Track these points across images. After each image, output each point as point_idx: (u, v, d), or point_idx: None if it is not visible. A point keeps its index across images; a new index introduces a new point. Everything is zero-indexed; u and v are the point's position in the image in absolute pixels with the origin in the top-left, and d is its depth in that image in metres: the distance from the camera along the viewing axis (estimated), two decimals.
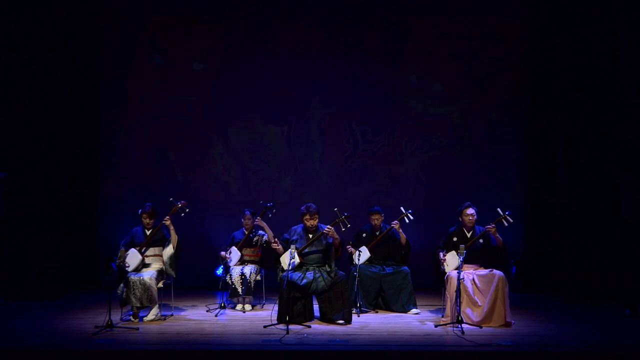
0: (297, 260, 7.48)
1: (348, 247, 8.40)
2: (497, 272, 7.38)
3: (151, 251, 7.79)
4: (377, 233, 8.43)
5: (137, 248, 7.69)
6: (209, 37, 10.41)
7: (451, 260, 7.53)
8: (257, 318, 7.70)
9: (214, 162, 10.44)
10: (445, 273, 7.53)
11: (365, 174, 10.39)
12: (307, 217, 7.62)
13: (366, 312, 8.07)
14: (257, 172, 10.45)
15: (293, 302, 7.28)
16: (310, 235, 7.65)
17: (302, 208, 7.69)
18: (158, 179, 10.39)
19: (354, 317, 7.59)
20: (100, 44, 10.32)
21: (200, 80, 10.42)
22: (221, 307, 8.16)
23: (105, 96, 10.40)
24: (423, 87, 10.38)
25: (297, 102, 10.40)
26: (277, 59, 10.37)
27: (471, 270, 7.48)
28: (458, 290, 7.04)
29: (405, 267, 8.24)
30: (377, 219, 8.43)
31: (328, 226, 7.52)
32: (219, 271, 8.51)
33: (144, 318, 7.53)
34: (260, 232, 8.46)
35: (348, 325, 7.31)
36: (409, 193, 10.32)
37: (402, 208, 8.41)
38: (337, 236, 7.56)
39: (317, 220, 7.65)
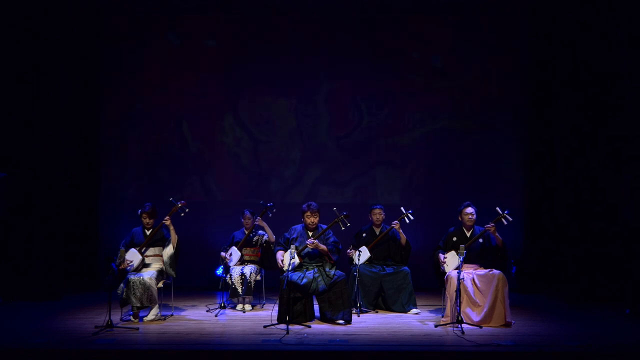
0: (297, 260, 7.49)
1: (349, 250, 8.38)
2: (496, 272, 7.38)
3: (151, 251, 7.80)
4: (378, 232, 8.43)
5: (137, 248, 7.70)
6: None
7: (451, 260, 7.53)
8: (257, 318, 7.70)
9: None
10: (445, 273, 7.53)
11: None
12: (308, 214, 7.63)
13: (366, 312, 8.07)
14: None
15: (293, 302, 7.29)
16: (310, 234, 7.66)
17: (304, 206, 7.71)
18: (158, 178, 10.40)
19: (354, 317, 7.59)
20: (102, 40, 10.36)
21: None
22: (221, 307, 8.16)
23: (105, 95, 10.42)
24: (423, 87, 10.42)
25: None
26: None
27: (471, 270, 7.48)
28: (458, 290, 7.04)
29: (405, 267, 8.24)
30: (378, 213, 8.43)
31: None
32: (219, 271, 8.51)
33: (144, 318, 7.53)
34: (261, 232, 8.46)
35: (348, 325, 7.31)
36: (412, 183, 10.39)
37: (402, 208, 8.42)
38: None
39: (317, 219, 7.66)
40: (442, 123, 10.41)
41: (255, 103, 10.51)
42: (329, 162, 10.49)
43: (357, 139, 10.48)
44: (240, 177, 10.51)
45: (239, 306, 8.26)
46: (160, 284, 7.74)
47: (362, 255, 8.20)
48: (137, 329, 7.08)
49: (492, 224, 7.44)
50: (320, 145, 10.51)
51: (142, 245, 7.73)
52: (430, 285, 8.85)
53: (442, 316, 7.61)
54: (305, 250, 7.59)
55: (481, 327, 7.11)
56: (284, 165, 10.51)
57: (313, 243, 7.48)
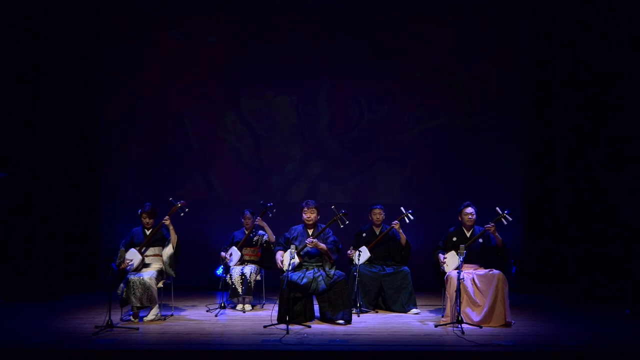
0: (297, 260, 7.49)
1: (349, 252, 8.39)
2: (496, 272, 7.38)
3: (151, 251, 7.80)
4: (378, 232, 8.44)
5: (137, 248, 7.70)
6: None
7: (451, 260, 7.53)
8: (257, 318, 7.70)
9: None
10: (445, 273, 7.53)
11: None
12: (305, 209, 7.68)
13: (366, 312, 8.07)
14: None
15: (293, 302, 7.29)
16: (310, 233, 7.66)
17: (303, 204, 7.75)
18: (158, 178, 10.41)
19: (354, 317, 7.59)
20: (102, 40, 10.35)
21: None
22: (221, 307, 8.16)
23: (105, 95, 10.43)
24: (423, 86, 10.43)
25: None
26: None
27: (471, 270, 7.48)
28: (458, 290, 7.04)
29: (405, 267, 8.24)
30: (378, 213, 8.43)
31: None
32: (219, 271, 8.51)
33: (144, 318, 7.53)
34: (261, 232, 8.46)
35: (348, 325, 7.31)
36: (412, 183, 10.40)
37: (402, 208, 8.42)
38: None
39: (314, 214, 7.68)
40: (442, 122, 10.41)
41: (256, 100, 10.51)
42: (329, 159, 10.51)
43: (357, 136, 10.49)
44: (241, 174, 10.51)
45: (239, 306, 8.26)
46: (160, 284, 7.74)
47: (362, 255, 8.20)
48: (137, 329, 7.08)
49: (492, 224, 7.44)
50: (320, 142, 10.52)
51: (142, 245, 7.73)
52: (430, 285, 8.84)
53: (442, 316, 7.61)
54: (305, 249, 7.59)
55: (481, 327, 7.11)
56: (284, 162, 10.53)
57: (312, 242, 7.49)
